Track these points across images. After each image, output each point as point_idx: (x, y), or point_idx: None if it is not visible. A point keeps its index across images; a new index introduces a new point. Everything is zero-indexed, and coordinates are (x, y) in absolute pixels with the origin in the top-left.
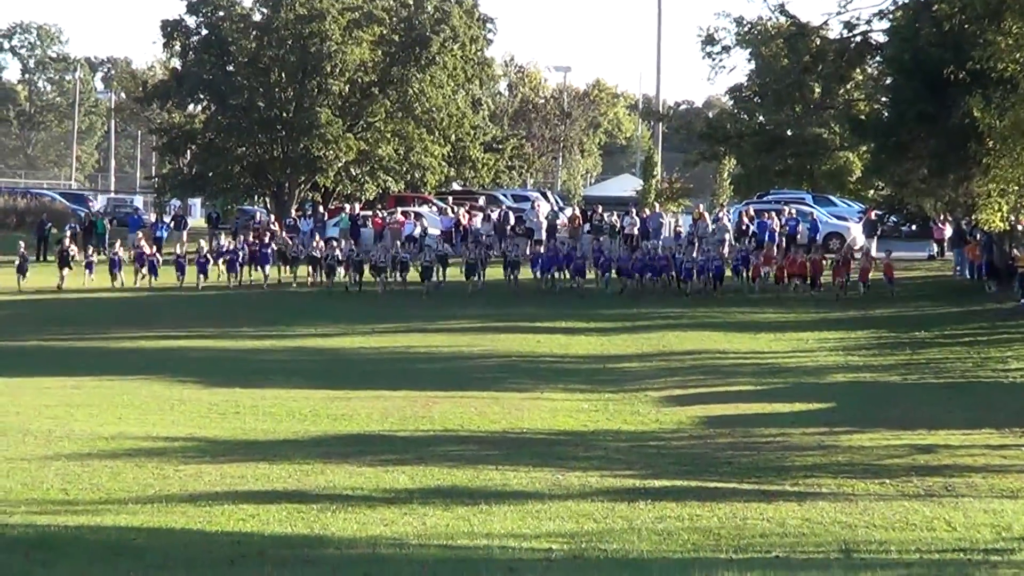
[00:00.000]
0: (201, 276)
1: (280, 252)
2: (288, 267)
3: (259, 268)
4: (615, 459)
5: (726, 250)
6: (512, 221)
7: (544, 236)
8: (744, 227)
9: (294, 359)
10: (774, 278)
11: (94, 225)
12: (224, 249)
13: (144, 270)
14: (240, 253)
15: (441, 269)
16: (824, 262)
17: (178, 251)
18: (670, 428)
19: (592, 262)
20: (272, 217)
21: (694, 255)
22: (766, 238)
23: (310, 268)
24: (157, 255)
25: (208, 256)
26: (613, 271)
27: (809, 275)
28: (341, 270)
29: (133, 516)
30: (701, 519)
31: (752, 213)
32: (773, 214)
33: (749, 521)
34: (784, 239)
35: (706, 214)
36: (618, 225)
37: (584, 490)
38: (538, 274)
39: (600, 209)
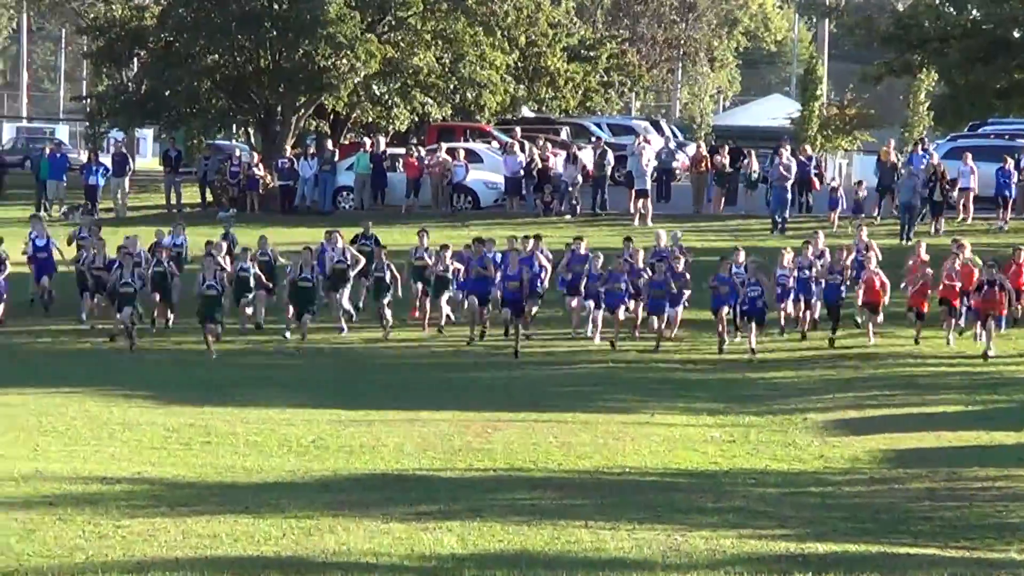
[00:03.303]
0: None
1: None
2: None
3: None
4: (760, 512)
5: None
6: (611, 163)
7: (649, 186)
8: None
9: (288, 364)
10: (913, 310)
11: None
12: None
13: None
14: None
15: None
16: None
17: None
18: (840, 467)
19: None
20: (256, 157)
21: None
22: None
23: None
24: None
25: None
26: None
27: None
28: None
29: None
30: None
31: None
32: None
33: None
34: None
35: (896, 156)
36: (760, 171)
37: (714, 558)
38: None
39: (726, 149)
